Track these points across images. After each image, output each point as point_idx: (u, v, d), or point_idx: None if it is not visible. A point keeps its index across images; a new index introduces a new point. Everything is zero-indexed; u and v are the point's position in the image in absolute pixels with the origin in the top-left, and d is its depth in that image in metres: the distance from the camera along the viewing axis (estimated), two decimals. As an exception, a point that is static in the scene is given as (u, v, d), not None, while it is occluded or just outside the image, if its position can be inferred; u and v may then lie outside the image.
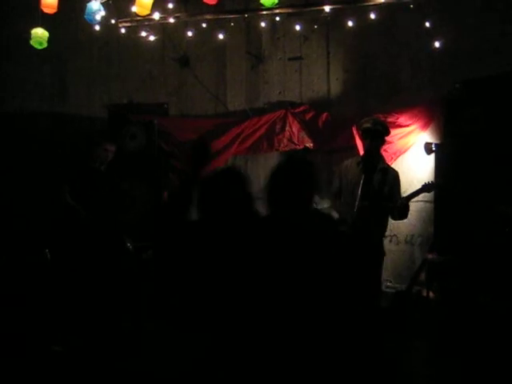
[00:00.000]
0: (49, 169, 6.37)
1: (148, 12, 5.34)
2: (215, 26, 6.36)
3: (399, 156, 5.84)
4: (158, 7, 5.79)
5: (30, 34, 5.29)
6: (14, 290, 5.33)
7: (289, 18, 6.25)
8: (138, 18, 6.06)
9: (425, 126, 5.82)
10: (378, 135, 4.66)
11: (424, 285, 5.17)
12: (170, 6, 6.05)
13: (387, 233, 5.21)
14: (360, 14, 5.81)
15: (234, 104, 6.80)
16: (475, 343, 4.38)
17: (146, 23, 6.29)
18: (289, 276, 2.12)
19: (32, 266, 5.61)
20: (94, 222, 5.40)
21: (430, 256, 5.15)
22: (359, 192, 4.38)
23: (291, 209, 2.38)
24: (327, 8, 5.68)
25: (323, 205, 5.82)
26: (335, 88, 6.42)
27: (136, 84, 7.00)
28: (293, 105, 6.40)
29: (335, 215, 4.84)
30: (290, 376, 2.07)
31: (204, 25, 6.28)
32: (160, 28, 6.55)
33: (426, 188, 4.64)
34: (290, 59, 6.58)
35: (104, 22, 5.83)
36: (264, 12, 5.97)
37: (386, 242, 5.28)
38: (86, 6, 5.41)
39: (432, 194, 5.49)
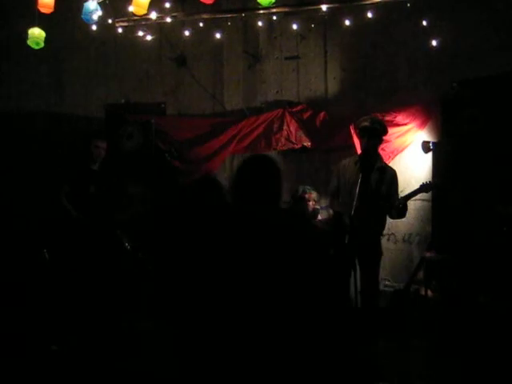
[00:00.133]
0: (46, 169, 6.36)
1: (145, 11, 5.33)
2: (212, 26, 6.36)
3: (397, 155, 5.84)
4: (154, 7, 5.78)
5: (26, 33, 5.28)
6: (12, 290, 5.32)
7: (286, 17, 6.24)
8: (135, 18, 6.04)
9: (422, 125, 5.82)
10: (375, 134, 4.66)
11: (422, 283, 5.17)
12: (167, 5, 6.04)
13: (385, 231, 5.22)
14: (357, 12, 5.81)
15: (231, 103, 6.79)
16: (474, 342, 4.39)
17: (143, 23, 6.28)
18: (253, 271, 2.12)
19: (30, 265, 5.61)
20: (86, 223, 5.40)
21: (427, 255, 5.15)
22: (357, 191, 4.38)
23: (257, 204, 2.36)
24: (324, 7, 5.67)
25: (321, 204, 5.85)
26: (332, 87, 6.41)
27: (133, 83, 6.99)
28: (290, 104, 6.39)
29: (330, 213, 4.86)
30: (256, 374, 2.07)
31: (201, 24, 6.27)
32: (157, 27, 6.54)
33: (423, 188, 4.64)
34: (287, 58, 6.57)
35: (101, 21, 5.81)
36: (261, 11, 5.97)
37: (384, 240, 5.29)
38: (82, 6, 5.40)
39: (430, 192, 5.50)
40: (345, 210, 4.57)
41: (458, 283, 4.92)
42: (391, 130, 5.70)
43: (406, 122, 5.79)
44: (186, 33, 6.35)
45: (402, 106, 5.81)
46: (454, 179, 5.19)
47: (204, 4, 5.31)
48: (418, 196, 5.05)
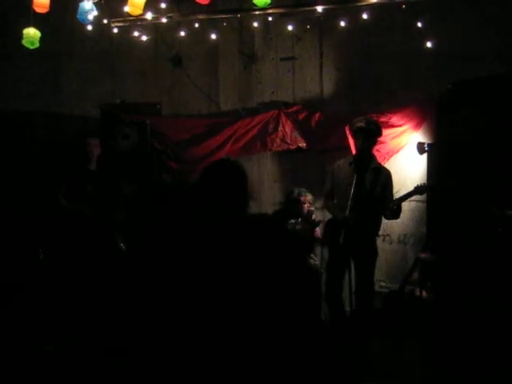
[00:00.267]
0: (43, 168, 6.34)
1: (140, 12, 5.32)
2: (208, 26, 6.36)
3: (392, 156, 5.86)
4: (150, 7, 5.76)
5: (21, 33, 5.27)
6: (6, 290, 5.30)
7: (281, 18, 6.25)
8: (131, 18, 6.03)
9: (417, 126, 5.84)
10: (371, 135, 4.66)
11: (417, 284, 5.17)
12: (163, 5, 6.03)
13: (380, 232, 5.22)
14: (353, 14, 5.83)
15: (226, 104, 6.80)
16: (468, 343, 4.39)
17: (139, 23, 6.27)
18: (220, 277, 2.08)
19: (25, 265, 5.60)
20: (88, 222, 5.40)
21: (422, 255, 5.15)
22: (352, 192, 4.38)
23: (222, 208, 2.30)
24: (319, 8, 5.68)
25: (316, 205, 5.87)
26: (328, 88, 6.43)
27: (129, 84, 6.98)
28: (286, 105, 6.41)
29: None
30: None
31: (197, 25, 6.27)
32: (153, 28, 6.54)
33: (418, 190, 4.65)
34: (282, 59, 6.58)
35: (96, 21, 5.80)
36: (257, 12, 5.97)
37: (379, 241, 5.30)
38: (78, 6, 5.39)
39: (425, 194, 5.51)
40: (340, 210, 4.57)
41: (453, 284, 4.93)
42: (386, 131, 5.71)
43: (401, 123, 5.81)
44: (182, 33, 6.35)
45: (397, 107, 5.83)
46: (448, 180, 5.20)
47: (200, 4, 5.30)
48: (413, 197, 5.06)
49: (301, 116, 6.22)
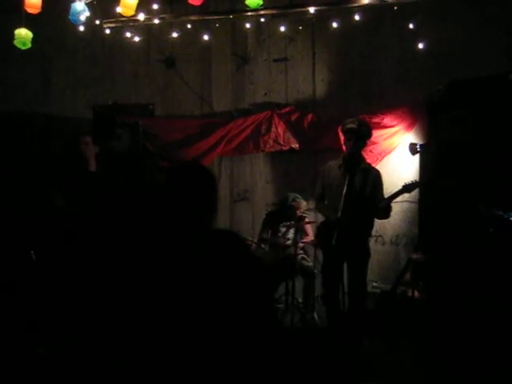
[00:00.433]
0: (34, 169, 6.31)
1: (133, 13, 5.30)
2: (200, 27, 6.35)
3: (384, 157, 5.88)
4: (142, 8, 5.76)
5: (13, 34, 5.25)
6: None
7: (274, 20, 6.25)
8: (123, 19, 6.01)
9: (409, 127, 5.87)
10: (362, 136, 4.65)
11: (409, 285, 5.18)
12: (155, 6, 6.02)
13: (373, 233, 5.23)
14: (345, 15, 5.84)
15: (219, 105, 6.80)
16: (461, 343, 4.40)
17: (131, 24, 6.27)
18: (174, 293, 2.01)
19: (16, 267, 5.57)
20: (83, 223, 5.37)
21: (414, 256, 5.16)
22: (344, 193, 4.38)
23: (180, 226, 2.11)
24: (312, 9, 5.69)
25: (310, 205, 5.89)
26: (320, 89, 6.44)
27: (121, 85, 6.98)
28: (278, 106, 6.42)
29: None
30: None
31: (189, 26, 6.27)
32: (145, 29, 6.53)
33: (406, 188, 4.64)
34: (275, 60, 6.59)
35: (88, 22, 5.78)
36: (249, 13, 5.97)
37: (371, 242, 5.30)
38: (70, 7, 5.37)
39: (416, 194, 5.53)
40: (331, 212, 4.57)
41: (445, 284, 4.94)
42: (379, 132, 5.73)
43: (393, 123, 5.83)
44: (174, 34, 6.35)
45: (389, 108, 5.86)
46: (440, 181, 5.22)
47: (192, 6, 5.29)
48: (405, 198, 5.08)
49: (293, 117, 6.24)
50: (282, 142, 6.22)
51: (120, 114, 6.57)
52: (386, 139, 5.86)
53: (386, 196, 4.64)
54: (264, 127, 6.26)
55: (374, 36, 6.07)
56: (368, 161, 4.99)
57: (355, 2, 5.67)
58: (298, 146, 6.18)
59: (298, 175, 6.36)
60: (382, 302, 5.23)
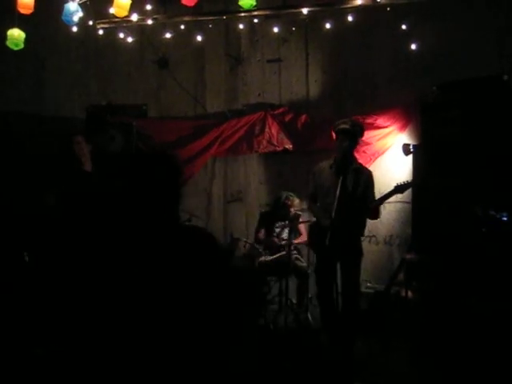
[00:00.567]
0: (26, 170, 6.29)
1: (126, 13, 5.30)
2: (194, 28, 6.36)
3: (378, 157, 5.89)
4: (135, 9, 5.76)
5: (6, 34, 5.23)
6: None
7: (267, 21, 6.26)
8: (116, 20, 6.01)
9: (403, 128, 5.88)
10: (355, 136, 4.65)
11: (403, 285, 5.19)
12: (148, 7, 6.02)
13: (366, 233, 5.24)
14: (338, 16, 5.85)
15: (213, 106, 6.80)
16: (454, 343, 4.41)
17: (124, 25, 6.26)
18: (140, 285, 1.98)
19: (9, 268, 5.54)
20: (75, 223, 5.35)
21: (408, 256, 5.17)
22: (337, 193, 4.38)
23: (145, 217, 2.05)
24: (305, 10, 5.70)
25: (303, 206, 5.89)
26: (314, 90, 6.45)
27: (115, 85, 6.97)
28: (272, 106, 6.43)
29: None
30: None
31: (182, 27, 6.27)
32: (138, 30, 6.53)
33: (399, 189, 4.64)
34: (268, 61, 6.60)
35: (82, 23, 5.77)
36: (242, 14, 5.97)
37: (365, 242, 5.32)
38: (63, 7, 5.36)
39: (410, 194, 5.54)
40: (324, 213, 4.57)
41: (439, 284, 4.95)
42: (372, 133, 5.75)
43: (386, 124, 5.85)
44: (168, 35, 6.34)
45: (382, 108, 5.88)
46: (434, 181, 5.23)
47: (185, 6, 5.28)
48: (399, 198, 5.09)
49: (287, 118, 6.25)
50: (275, 143, 6.23)
51: (114, 114, 6.55)
52: (379, 140, 5.88)
53: (378, 196, 4.64)
54: (257, 128, 6.27)
55: (367, 37, 6.08)
56: (361, 161, 5.00)
57: (348, 3, 5.68)
58: (291, 146, 6.19)
59: (291, 176, 6.36)
60: (376, 302, 5.24)
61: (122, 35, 6.39)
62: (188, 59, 6.82)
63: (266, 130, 6.25)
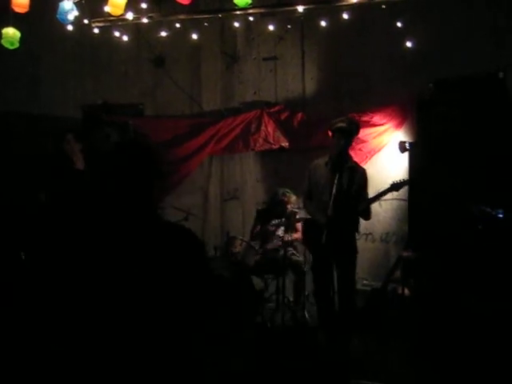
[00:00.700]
0: (21, 168, 6.28)
1: (121, 12, 5.29)
2: (189, 26, 6.34)
3: (374, 155, 5.90)
4: (131, 7, 5.73)
5: (1, 33, 5.21)
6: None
7: (263, 18, 6.25)
8: (112, 18, 5.99)
9: (399, 125, 5.88)
10: (350, 134, 4.65)
11: (399, 282, 5.20)
12: (144, 5, 6.00)
13: (363, 231, 5.24)
14: (333, 14, 5.84)
15: (209, 104, 6.80)
16: (451, 340, 4.42)
17: (120, 23, 6.24)
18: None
19: (5, 267, 5.53)
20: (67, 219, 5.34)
21: (404, 254, 5.17)
22: (334, 191, 4.39)
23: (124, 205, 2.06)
24: (300, 8, 5.68)
25: (298, 203, 5.89)
26: (310, 87, 6.45)
27: (110, 84, 6.95)
28: (268, 104, 6.43)
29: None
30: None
31: (178, 25, 6.25)
32: (134, 28, 6.51)
33: (394, 187, 4.64)
34: (264, 59, 6.60)
35: (77, 21, 5.75)
36: (238, 12, 5.96)
37: (361, 240, 5.33)
38: (58, 6, 5.34)
39: (406, 192, 5.55)
40: (319, 212, 4.57)
41: (435, 282, 4.96)
42: (368, 131, 5.75)
43: (382, 122, 5.84)
44: (163, 33, 6.32)
45: (378, 106, 5.88)
46: (429, 179, 5.24)
47: (181, 4, 5.28)
48: (395, 195, 5.09)
49: (283, 116, 6.25)
50: (271, 141, 6.23)
51: (109, 113, 6.55)
52: (375, 137, 5.88)
53: (373, 194, 4.64)
54: (254, 126, 6.27)
55: (363, 35, 6.08)
56: (357, 159, 5.01)
57: (344, 1, 5.66)
58: (287, 144, 6.19)
59: (288, 174, 6.36)
60: (373, 299, 5.25)
61: (117, 34, 6.36)
62: (184, 57, 6.81)
63: (262, 128, 6.25)
